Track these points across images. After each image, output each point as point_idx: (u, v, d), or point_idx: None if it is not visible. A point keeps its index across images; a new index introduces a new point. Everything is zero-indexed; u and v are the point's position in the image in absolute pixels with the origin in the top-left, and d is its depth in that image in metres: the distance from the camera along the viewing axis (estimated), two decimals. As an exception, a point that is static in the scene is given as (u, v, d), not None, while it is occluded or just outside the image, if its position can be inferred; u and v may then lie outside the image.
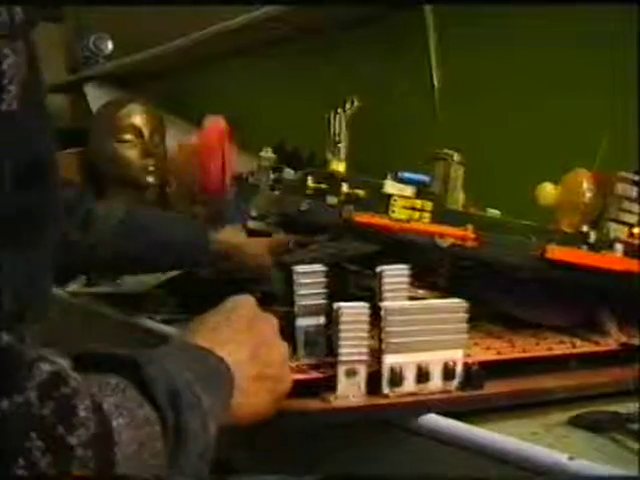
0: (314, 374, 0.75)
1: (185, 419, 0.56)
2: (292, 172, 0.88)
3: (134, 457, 0.52)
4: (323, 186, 0.85)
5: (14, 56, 0.54)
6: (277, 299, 0.95)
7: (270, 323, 0.73)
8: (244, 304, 0.73)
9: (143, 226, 1.08)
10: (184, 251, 1.10)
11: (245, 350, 0.68)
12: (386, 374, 0.72)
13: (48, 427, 0.48)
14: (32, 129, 0.58)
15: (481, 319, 0.93)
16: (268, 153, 0.93)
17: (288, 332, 0.78)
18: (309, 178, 0.85)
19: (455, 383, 0.74)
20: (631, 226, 0.90)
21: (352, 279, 1.02)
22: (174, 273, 1.21)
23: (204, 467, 0.59)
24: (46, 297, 0.67)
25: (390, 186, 0.85)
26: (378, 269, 0.81)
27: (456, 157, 0.89)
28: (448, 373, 0.74)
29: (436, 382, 0.74)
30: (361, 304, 0.73)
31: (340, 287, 0.96)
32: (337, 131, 0.87)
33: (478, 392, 0.74)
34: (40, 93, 0.60)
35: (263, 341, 0.70)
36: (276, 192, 0.88)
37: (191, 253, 1.10)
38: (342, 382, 0.72)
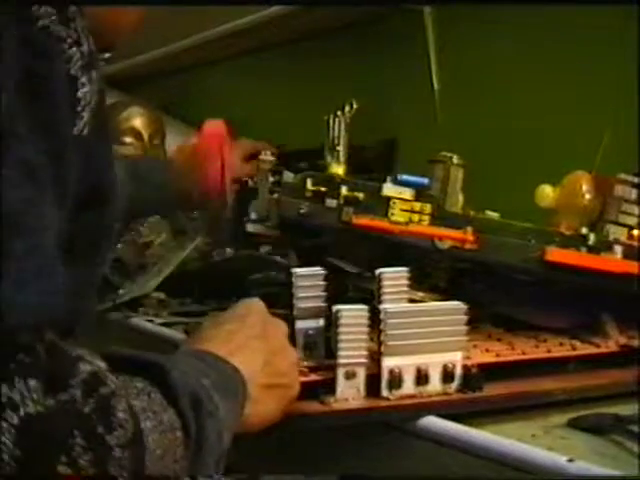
0: (313, 377, 0.75)
1: (205, 428, 0.57)
2: (291, 175, 0.88)
3: (159, 462, 0.53)
4: (322, 189, 0.85)
5: (89, 85, 0.57)
6: (277, 301, 0.95)
7: (281, 329, 0.74)
8: (256, 310, 0.74)
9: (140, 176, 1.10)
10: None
11: (258, 358, 0.69)
12: (385, 376, 0.72)
13: (89, 425, 0.48)
14: (98, 155, 0.61)
15: (480, 321, 0.93)
16: (267, 156, 0.93)
17: (288, 335, 0.78)
18: (308, 181, 0.85)
19: (454, 385, 0.74)
20: (630, 228, 0.90)
21: (351, 281, 1.02)
22: (174, 265, 1.21)
23: (217, 473, 0.60)
24: (91, 313, 0.68)
25: (389, 189, 0.85)
26: (377, 271, 0.81)
27: (455, 159, 0.89)
28: (447, 375, 0.74)
29: (435, 384, 0.74)
30: (360, 307, 0.73)
31: (339, 290, 0.96)
32: (336, 134, 0.87)
33: (477, 394, 0.74)
34: (106, 120, 0.63)
35: (275, 349, 0.71)
36: (275, 195, 0.88)
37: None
38: (341, 384, 0.72)
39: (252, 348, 0.69)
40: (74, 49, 0.56)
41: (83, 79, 0.56)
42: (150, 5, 0.82)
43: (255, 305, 0.74)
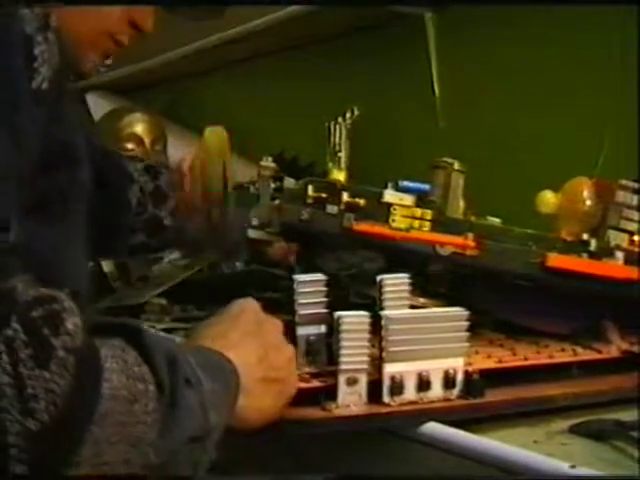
0: (315, 383, 0.75)
1: (181, 390, 0.58)
2: (293, 181, 0.88)
3: (124, 403, 0.54)
4: (323, 195, 0.85)
5: (45, 44, 0.61)
6: (279, 307, 0.95)
7: (276, 326, 0.74)
8: (250, 308, 0.73)
9: None
10: None
11: (253, 353, 0.69)
12: (387, 383, 0.72)
13: (34, 326, 0.50)
14: (62, 112, 0.64)
15: (482, 327, 0.93)
16: (269, 162, 0.93)
17: (289, 341, 0.78)
18: (310, 187, 0.85)
19: (456, 391, 0.74)
20: (631, 234, 0.90)
21: (353, 288, 1.02)
22: (175, 282, 1.21)
23: (201, 455, 0.60)
24: (79, 269, 0.70)
25: (390, 195, 0.85)
26: (379, 278, 0.81)
27: (456, 165, 0.89)
28: (449, 381, 0.74)
29: (437, 390, 0.74)
30: (362, 313, 0.73)
31: (341, 296, 0.96)
32: (337, 140, 0.87)
33: (479, 400, 0.74)
34: (72, 85, 0.66)
35: (270, 344, 0.71)
36: (277, 201, 0.88)
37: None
38: (343, 391, 0.72)
39: (246, 344, 0.69)
40: (27, 10, 0.60)
41: (39, 38, 0.60)
42: (151, 5, 0.83)
43: (249, 304, 0.74)
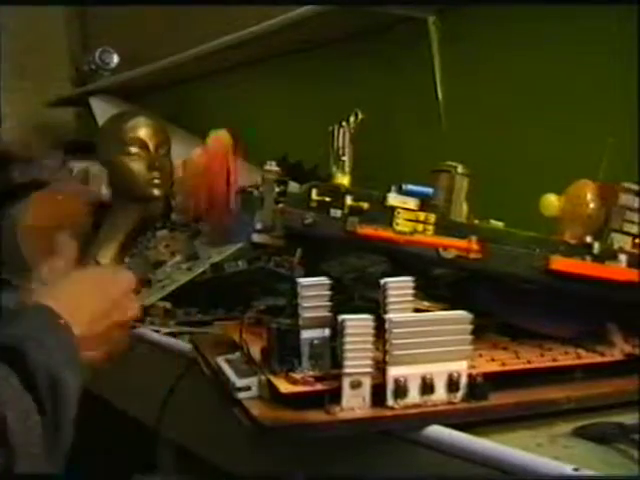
0: (319, 386, 0.75)
1: (63, 410, 0.61)
2: (297, 185, 0.89)
3: (21, 445, 0.58)
4: (327, 199, 0.85)
5: None
6: (282, 311, 0.95)
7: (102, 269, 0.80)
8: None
9: None
10: None
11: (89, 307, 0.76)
12: (390, 386, 0.72)
13: None
14: None
15: (486, 330, 0.93)
16: (272, 166, 0.93)
17: (293, 345, 0.79)
18: (313, 191, 0.85)
19: (459, 394, 0.74)
20: (635, 237, 0.90)
21: (357, 291, 1.03)
22: (178, 284, 1.21)
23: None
24: None
25: (394, 198, 0.85)
26: (382, 281, 0.81)
27: (460, 169, 0.90)
28: (452, 385, 0.74)
29: (440, 394, 0.74)
30: (365, 316, 0.73)
31: (345, 299, 0.97)
32: (341, 144, 0.88)
33: (482, 403, 0.74)
34: None
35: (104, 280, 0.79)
36: (280, 205, 0.88)
37: None
38: (347, 394, 0.72)
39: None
40: None
41: None
42: (151, 5, 0.83)
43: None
